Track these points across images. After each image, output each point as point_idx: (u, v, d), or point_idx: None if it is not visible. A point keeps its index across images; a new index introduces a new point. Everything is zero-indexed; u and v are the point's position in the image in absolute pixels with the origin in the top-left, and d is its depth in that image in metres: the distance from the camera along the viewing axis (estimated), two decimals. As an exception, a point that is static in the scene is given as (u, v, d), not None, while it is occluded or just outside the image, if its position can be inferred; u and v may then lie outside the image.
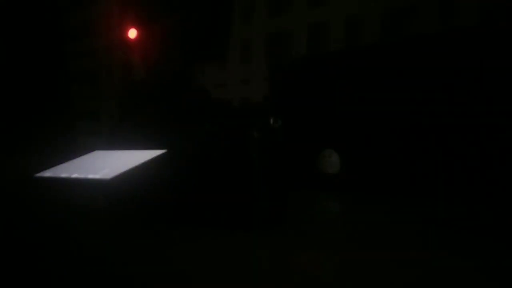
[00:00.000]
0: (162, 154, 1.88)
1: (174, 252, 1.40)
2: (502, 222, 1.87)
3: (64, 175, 1.93)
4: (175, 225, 1.73)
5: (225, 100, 4.53)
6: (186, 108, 1.98)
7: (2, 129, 5.59)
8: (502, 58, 2.21)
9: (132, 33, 5.36)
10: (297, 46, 4.38)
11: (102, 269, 1.24)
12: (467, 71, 2.35)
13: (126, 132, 2.09)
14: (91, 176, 1.78)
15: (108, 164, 2.00)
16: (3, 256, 1.39)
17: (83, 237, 1.68)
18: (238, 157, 1.59)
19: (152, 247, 1.47)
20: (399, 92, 2.83)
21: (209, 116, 1.75)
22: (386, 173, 2.72)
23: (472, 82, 2.38)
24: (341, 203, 2.66)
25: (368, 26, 3.73)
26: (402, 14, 3.60)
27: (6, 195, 2.84)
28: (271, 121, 1.68)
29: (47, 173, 2.03)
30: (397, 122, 2.74)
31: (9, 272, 1.19)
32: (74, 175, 1.89)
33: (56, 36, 6.54)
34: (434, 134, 2.60)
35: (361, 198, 2.64)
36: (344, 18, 3.97)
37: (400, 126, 2.71)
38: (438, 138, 2.61)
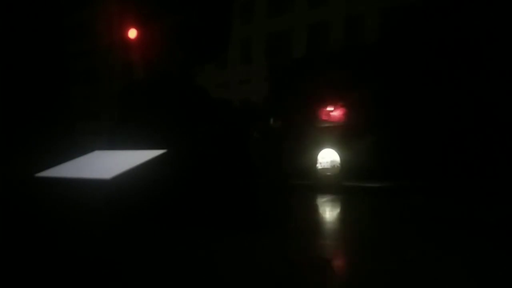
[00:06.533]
0: (162, 154, 1.88)
1: (174, 252, 1.40)
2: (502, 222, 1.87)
3: (65, 175, 1.93)
4: (174, 225, 1.73)
5: (225, 100, 4.53)
6: (186, 108, 1.98)
7: (3, 129, 5.60)
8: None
9: (132, 33, 5.34)
10: (297, 46, 4.37)
11: (102, 267, 1.24)
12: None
13: (126, 132, 2.09)
14: (91, 176, 1.78)
15: (108, 164, 2.01)
16: (4, 254, 1.39)
17: (83, 235, 1.68)
18: (238, 157, 1.59)
19: (152, 247, 1.47)
20: (400, 92, 2.83)
21: (209, 116, 1.75)
22: (386, 173, 2.71)
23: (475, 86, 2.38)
24: (341, 202, 2.66)
25: (368, 25, 3.72)
26: (401, 14, 3.59)
27: (7, 194, 2.84)
28: (271, 121, 1.68)
29: (48, 173, 2.03)
30: (397, 122, 2.74)
31: (10, 271, 1.19)
32: (75, 175, 1.89)
33: (57, 37, 6.54)
34: (434, 134, 2.60)
35: (360, 198, 2.64)
36: (344, 17, 3.97)
37: (400, 126, 2.71)
38: (437, 138, 2.61)
